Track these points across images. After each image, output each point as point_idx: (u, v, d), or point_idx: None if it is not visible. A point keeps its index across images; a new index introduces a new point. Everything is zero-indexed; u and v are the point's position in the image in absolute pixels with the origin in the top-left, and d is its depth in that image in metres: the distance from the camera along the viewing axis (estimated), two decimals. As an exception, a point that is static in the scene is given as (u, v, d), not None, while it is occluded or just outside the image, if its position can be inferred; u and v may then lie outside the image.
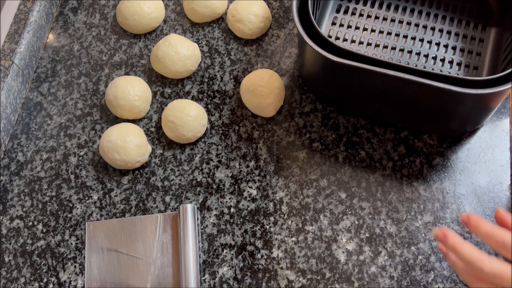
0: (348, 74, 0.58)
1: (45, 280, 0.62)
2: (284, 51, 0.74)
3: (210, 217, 0.64)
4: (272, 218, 0.63)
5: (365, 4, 0.71)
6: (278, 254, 0.61)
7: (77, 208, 0.66)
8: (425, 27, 0.69)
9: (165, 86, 0.73)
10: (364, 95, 0.63)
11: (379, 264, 0.60)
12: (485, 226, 0.43)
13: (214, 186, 0.66)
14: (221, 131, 0.69)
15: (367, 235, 0.61)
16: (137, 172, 0.67)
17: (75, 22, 0.79)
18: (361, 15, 0.71)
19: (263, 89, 0.67)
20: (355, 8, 0.71)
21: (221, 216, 0.64)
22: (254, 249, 0.62)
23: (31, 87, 0.74)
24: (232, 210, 0.64)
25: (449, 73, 0.66)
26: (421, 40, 0.68)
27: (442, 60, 0.67)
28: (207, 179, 0.66)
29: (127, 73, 0.74)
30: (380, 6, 0.71)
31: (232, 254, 0.62)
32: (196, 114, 0.67)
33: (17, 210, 0.66)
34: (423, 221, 0.61)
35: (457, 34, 0.68)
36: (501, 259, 0.41)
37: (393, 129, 0.66)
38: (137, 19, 0.74)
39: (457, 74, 0.66)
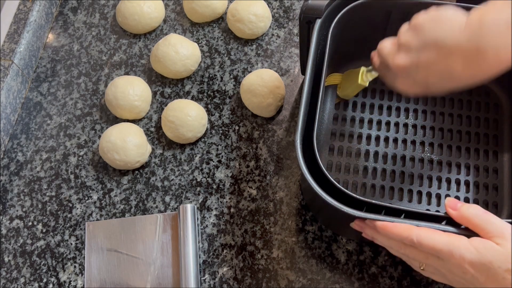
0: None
1: (45, 280, 0.62)
2: (284, 51, 0.73)
3: (210, 217, 0.64)
4: (272, 218, 0.63)
5: (361, 126, 0.66)
6: (278, 254, 0.61)
7: (77, 208, 0.66)
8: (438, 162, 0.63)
9: (165, 86, 0.73)
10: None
11: (379, 264, 0.60)
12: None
13: (214, 186, 0.66)
14: (221, 131, 0.69)
15: (367, 235, 0.61)
16: (137, 172, 0.67)
17: (75, 22, 0.79)
18: (359, 137, 0.65)
19: (263, 89, 0.67)
20: (352, 131, 0.66)
21: (221, 216, 0.64)
22: (254, 249, 0.62)
23: (31, 87, 0.74)
24: (232, 210, 0.64)
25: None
26: (433, 177, 0.63)
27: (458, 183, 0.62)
28: (207, 179, 0.66)
29: (127, 73, 0.74)
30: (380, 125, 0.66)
31: (232, 254, 0.62)
32: (196, 114, 0.67)
33: (17, 210, 0.66)
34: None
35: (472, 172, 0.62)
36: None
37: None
38: (137, 19, 0.74)
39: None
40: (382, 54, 0.49)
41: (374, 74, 0.56)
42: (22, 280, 0.62)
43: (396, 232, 0.45)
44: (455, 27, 0.43)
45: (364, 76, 0.57)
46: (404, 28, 0.47)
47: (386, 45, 0.49)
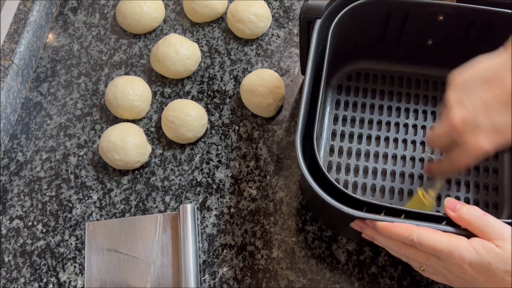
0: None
1: (45, 280, 0.62)
2: (284, 51, 0.73)
3: (210, 217, 0.64)
4: (272, 218, 0.63)
5: (361, 126, 0.66)
6: (278, 254, 0.61)
7: (77, 208, 0.66)
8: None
9: (165, 86, 0.73)
10: None
11: (379, 264, 0.60)
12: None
13: (214, 186, 0.66)
14: (221, 131, 0.69)
15: (367, 235, 0.61)
16: (137, 172, 0.67)
17: (75, 22, 0.79)
18: (359, 137, 0.65)
19: (263, 89, 0.67)
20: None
21: (221, 216, 0.64)
22: (254, 249, 0.62)
23: (31, 87, 0.74)
24: (232, 210, 0.64)
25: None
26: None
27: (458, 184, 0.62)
28: (207, 179, 0.66)
29: (127, 73, 0.74)
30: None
31: (232, 254, 0.62)
32: (196, 114, 0.67)
33: (17, 210, 0.66)
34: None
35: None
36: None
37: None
38: (137, 19, 0.74)
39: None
40: (437, 136, 0.48)
41: (435, 189, 0.55)
42: (22, 280, 0.62)
43: (397, 232, 0.45)
44: (494, 62, 0.44)
45: (428, 197, 0.55)
46: (446, 100, 0.47)
47: (435, 130, 0.49)
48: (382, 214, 0.48)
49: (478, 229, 0.44)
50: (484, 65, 0.45)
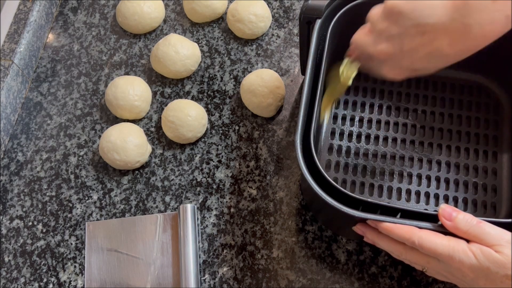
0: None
1: (45, 280, 0.62)
2: (284, 51, 0.74)
3: (210, 217, 0.64)
4: (272, 218, 0.63)
5: (361, 125, 0.66)
6: (278, 254, 0.61)
7: (77, 208, 0.66)
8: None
9: (165, 86, 0.73)
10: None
11: (379, 264, 0.60)
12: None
13: (214, 186, 0.66)
14: (221, 131, 0.69)
15: (367, 235, 0.61)
16: (137, 172, 0.67)
17: (75, 22, 0.79)
18: (358, 136, 0.65)
19: (263, 89, 0.67)
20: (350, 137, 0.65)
21: (221, 216, 0.64)
22: (254, 249, 0.62)
23: (31, 87, 0.74)
24: (232, 210, 0.64)
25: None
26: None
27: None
28: (207, 179, 0.66)
29: (127, 73, 0.74)
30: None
31: (232, 254, 0.62)
32: (196, 114, 0.67)
33: (17, 210, 0.66)
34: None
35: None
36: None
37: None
38: (137, 19, 0.74)
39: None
40: (360, 45, 0.48)
41: (354, 69, 0.53)
42: (22, 280, 0.62)
43: (398, 233, 0.46)
44: (437, 7, 0.42)
45: (345, 73, 0.54)
46: (377, 14, 0.46)
47: (361, 35, 0.48)
48: (378, 213, 0.48)
49: (476, 238, 0.44)
50: (428, 14, 0.43)
